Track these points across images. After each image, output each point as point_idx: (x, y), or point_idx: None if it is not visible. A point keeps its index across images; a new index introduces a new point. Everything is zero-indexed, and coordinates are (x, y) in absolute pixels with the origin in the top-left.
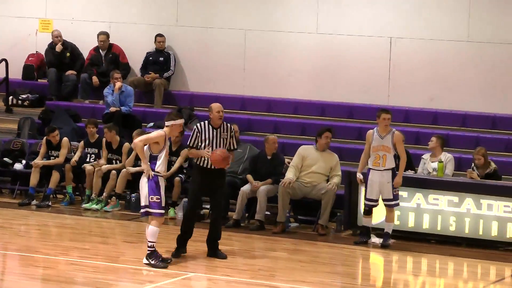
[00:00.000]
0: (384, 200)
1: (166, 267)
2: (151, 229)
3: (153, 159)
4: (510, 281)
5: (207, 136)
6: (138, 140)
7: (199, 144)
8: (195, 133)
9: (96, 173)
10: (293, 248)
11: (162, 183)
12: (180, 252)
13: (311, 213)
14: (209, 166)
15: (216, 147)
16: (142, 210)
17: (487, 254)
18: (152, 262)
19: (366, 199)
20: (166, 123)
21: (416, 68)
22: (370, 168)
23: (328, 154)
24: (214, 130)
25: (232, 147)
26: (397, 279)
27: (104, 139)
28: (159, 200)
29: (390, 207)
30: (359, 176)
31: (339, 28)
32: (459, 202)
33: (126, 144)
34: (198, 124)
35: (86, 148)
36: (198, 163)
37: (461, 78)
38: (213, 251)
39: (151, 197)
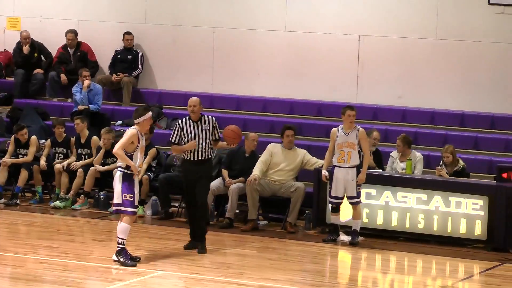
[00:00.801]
0: (348, 197)
1: (135, 265)
2: (122, 226)
3: (128, 157)
4: (479, 278)
5: (188, 130)
6: (117, 149)
7: (182, 139)
8: (177, 129)
9: (64, 172)
10: (262, 246)
11: (136, 181)
12: (192, 244)
13: (280, 211)
14: (195, 159)
15: (199, 139)
16: (114, 208)
17: (455, 252)
18: (121, 259)
19: (331, 196)
20: (136, 121)
21: (384, 66)
22: (335, 165)
23: (294, 152)
24: (195, 124)
25: (214, 137)
26: (365, 277)
27: (72, 139)
28: (132, 199)
29: (353, 205)
30: (324, 173)
31: (308, 25)
32: (428, 199)
33: (95, 138)
34: (180, 120)
35: (53, 148)
36: (184, 157)
37: (430, 75)
38: (200, 247)
39: (125, 195)
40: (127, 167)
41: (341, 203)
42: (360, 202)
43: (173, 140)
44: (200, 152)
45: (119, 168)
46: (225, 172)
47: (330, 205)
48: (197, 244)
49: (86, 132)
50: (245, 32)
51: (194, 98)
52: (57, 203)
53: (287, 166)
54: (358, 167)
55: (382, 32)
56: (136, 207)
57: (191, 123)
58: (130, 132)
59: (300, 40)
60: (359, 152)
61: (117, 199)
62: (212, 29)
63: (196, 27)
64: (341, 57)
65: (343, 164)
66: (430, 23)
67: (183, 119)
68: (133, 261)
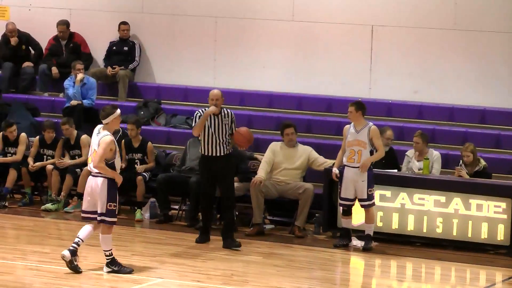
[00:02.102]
0: (358, 200)
1: (132, 271)
2: (106, 238)
3: (111, 165)
4: (501, 286)
5: (209, 122)
6: (98, 162)
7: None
8: (198, 116)
9: (55, 171)
10: (268, 251)
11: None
12: (203, 239)
13: (287, 214)
14: (213, 154)
15: (218, 132)
16: (98, 218)
17: (476, 258)
18: (116, 268)
19: (340, 198)
20: (105, 121)
21: (399, 58)
22: (345, 165)
23: (298, 149)
24: (215, 117)
25: (232, 132)
26: (379, 285)
27: (61, 140)
28: (115, 208)
29: (365, 208)
30: (335, 171)
31: (317, 14)
32: (446, 202)
33: (84, 137)
34: (201, 110)
35: (42, 149)
36: (202, 152)
37: (448, 68)
38: (228, 242)
39: (109, 205)
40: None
41: (352, 205)
42: (372, 205)
43: (194, 125)
44: (218, 147)
45: (101, 174)
46: None
47: (341, 208)
48: (227, 241)
49: (75, 133)
50: (249, 21)
51: (216, 91)
52: (48, 205)
53: (291, 165)
54: (370, 168)
55: (397, 22)
56: (116, 216)
57: (212, 115)
58: (105, 140)
59: (309, 31)
60: (371, 151)
61: (101, 208)
62: (214, 19)
63: (196, 16)
64: (353, 49)
65: (353, 164)
66: (448, 12)
67: (204, 109)
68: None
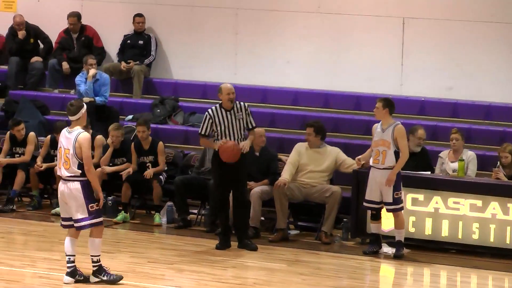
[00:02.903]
0: (384, 203)
1: (121, 278)
2: (96, 241)
3: (80, 165)
4: None
5: (221, 120)
6: (89, 169)
7: (214, 130)
8: (207, 119)
9: None
10: (293, 258)
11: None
12: (224, 246)
13: (313, 219)
14: None
15: (232, 130)
16: (85, 223)
17: None
18: (105, 278)
19: (365, 200)
20: (75, 117)
21: (432, 53)
22: (371, 166)
23: (324, 151)
24: (228, 113)
25: (250, 126)
26: None
27: None
28: (98, 207)
29: (392, 212)
30: (358, 158)
31: (345, 6)
32: (483, 206)
33: (98, 137)
34: (210, 110)
35: (52, 151)
36: (216, 149)
37: (484, 64)
38: (243, 243)
39: (91, 206)
40: (85, 175)
41: (379, 209)
42: (400, 209)
43: (203, 132)
44: None
45: (75, 178)
46: None
47: (369, 212)
48: (244, 242)
49: (90, 133)
50: (272, 13)
51: (230, 85)
52: (57, 209)
53: (317, 167)
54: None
55: (430, 14)
56: (101, 215)
57: (223, 111)
58: (83, 140)
59: (336, 23)
60: (396, 152)
61: (82, 213)
62: (235, 11)
63: (216, 8)
64: (383, 43)
65: (378, 165)
66: (485, 4)
67: (213, 108)
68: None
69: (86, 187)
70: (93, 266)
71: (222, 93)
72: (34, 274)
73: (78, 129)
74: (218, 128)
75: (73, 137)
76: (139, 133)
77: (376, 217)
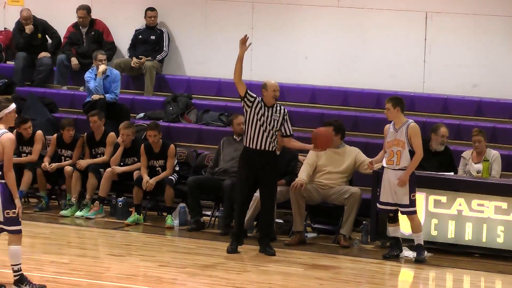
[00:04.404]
0: (399, 206)
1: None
2: (15, 249)
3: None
4: None
5: (259, 110)
6: (8, 171)
7: (249, 114)
8: (254, 97)
9: (75, 173)
10: (310, 262)
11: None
12: (235, 247)
13: (331, 221)
14: (257, 147)
15: (266, 125)
16: None
17: None
18: (28, 287)
19: (379, 202)
20: None
21: (456, 49)
22: (384, 167)
23: (344, 151)
24: (266, 108)
25: (287, 133)
26: None
27: (83, 136)
28: (15, 215)
29: (407, 215)
30: (370, 161)
31: (364, 1)
32: (509, 208)
33: (112, 134)
34: (258, 97)
35: (60, 149)
36: (245, 144)
37: (510, 61)
38: (263, 247)
39: (7, 212)
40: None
41: (396, 210)
42: (415, 212)
43: (248, 90)
44: (264, 141)
45: None
46: None
47: (386, 214)
48: (264, 247)
49: (103, 129)
50: (290, 7)
51: (276, 83)
52: (63, 211)
53: (336, 168)
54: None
55: (454, 8)
56: (20, 223)
57: (264, 105)
58: (8, 139)
59: (356, 18)
60: (411, 151)
61: None
62: (251, 4)
63: (232, 1)
64: (405, 38)
65: (393, 166)
66: None
67: (259, 98)
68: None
69: (5, 191)
70: (14, 276)
71: (267, 90)
72: (41, 278)
73: (2, 130)
74: (250, 118)
75: None
76: (150, 138)
77: (393, 219)
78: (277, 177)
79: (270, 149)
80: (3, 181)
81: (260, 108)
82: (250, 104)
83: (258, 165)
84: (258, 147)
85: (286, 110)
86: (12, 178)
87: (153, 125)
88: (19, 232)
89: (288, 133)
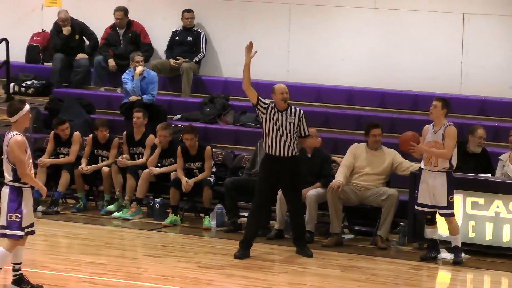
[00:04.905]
0: (437, 208)
1: None
2: (4, 253)
3: (14, 170)
4: None
5: (273, 116)
6: (22, 173)
7: (264, 122)
8: (268, 103)
9: (116, 170)
10: (347, 264)
11: (28, 196)
12: (244, 255)
13: (368, 223)
14: (277, 154)
15: (282, 130)
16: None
17: None
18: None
19: (417, 204)
20: (13, 119)
21: (494, 50)
22: (422, 168)
23: (382, 153)
24: (280, 113)
25: (303, 134)
26: None
27: (117, 140)
28: (19, 219)
29: (445, 217)
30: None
31: (402, 2)
32: None
33: (151, 137)
34: (271, 102)
35: (96, 150)
36: (266, 151)
37: None
38: (300, 248)
39: (10, 215)
40: (18, 179)
41: (434, 212)
42: (453, 214)
43: (260, 98)
44: (282, 146)
45: (8, 182)
46: None
47: (423, 216)
48: (301, 248)
49: (143, 129)
50: (326, 9)
51: (283, 85)
52: (110, 206)
53: (374, 169)
54: (449, 173)
55: (491, 9)
56: (23, 229)
57: (276, 111)
58: (16, 141)
59: (393, 19)
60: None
61: (2, 220)
62: (288, 6)
63: (268, 3)
64: (442, 40)
65: (430, 168)
66: None
67: (270, 102)
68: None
69: (12, 194)
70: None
71: (275, 93)
72: (78, 279)
73: (13, 132)
74: (267, 125)
75: (7, 141)
76: (187, 141)
77: (431, 221)
78: (300, 179)
79: (290, 154)
80: (13, 184)
81: (275, 114)
82: (264, 111)
83: (278, 171)
84: (277, 153)
85: (301, 111)
86: (30, 178)
87: (189, 129)
88: (19, 237)
89: (303, 134)
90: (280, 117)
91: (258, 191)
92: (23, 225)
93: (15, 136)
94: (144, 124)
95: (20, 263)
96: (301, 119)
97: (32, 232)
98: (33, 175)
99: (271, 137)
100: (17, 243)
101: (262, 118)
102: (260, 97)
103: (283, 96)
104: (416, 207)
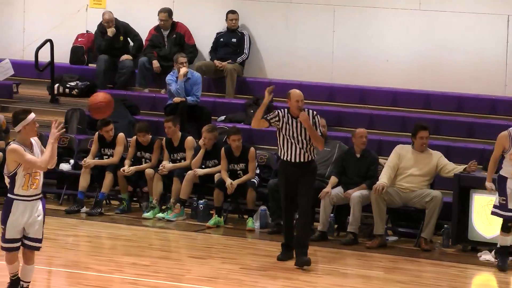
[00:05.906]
0: None
1: None
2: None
3: (11, 180)
4: None
5: (287, 123)
6: (38, 165)
7: (277, 126)
8: (276, 113)
9: (156, 176)
10: (391, 266)
11: (19, 207)
12: (287, 257)
13: (412, 225)
14: (293, 160)
15: (297, 137)
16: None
17: None
18: None
19: (509, 209)
20: (16, 129)
21: None
22: (508, 177)
23: (427, 155)
24: (294, 120)
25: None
26: None
27: (159, 141)
28: (4, 231)
29: None
30: (489, 185)
31: (446, 3)
32: None
33: (189, 139)
34: (279, 110)
35: (139, 152)
36: (281, 157)
37: None
38: (297, 258)
39: (2, 227)
40: (11, 191)
41: None
42: None
43: (265, 116)
44: (298, 153)
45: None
46: (332, 179)
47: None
48: (297, 255)
49: (179, 135)
50: (371, 10)
51: (299, 92)
52: (146, 213)
53: (419, 171)
54: None
55: None
56: (8, 241)
57: (291, 117)
58: (7, 151)
59: (437, 21)
60: None
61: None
62: (333, 7)
63: (313, 4)
64: (486, 41)
65: None
66: None
67: (283, 111)
68: None
69: (5, 206)
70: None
71: (290, 100)
72: (122, 280)
73: (12, 142)
74: (282, 132)
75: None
76: (234, 142)
77: (509, 229)
78: (311, 188)
79: (305, 160)
80: (7, 195)
81: (288, 120)
82: (278, 122)
83: (294, 177)
84: (293, 160)
85: (314, 113)
86: (46, 156)
87: (235, 130)
88: (3, 249)
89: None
90: (294, 123)
91: (282, 199)
92: (6, 237)
93: (9, 146)
94: (177, 131)
95: (29, 282)
96: (314, 121)
97: (14, 249)
98: (19, 185)
99: (286, 144)
100: (8, 255)
101: (278, 127)
102: (266, 117)
103: (297, 104)
104: (507, 213)
